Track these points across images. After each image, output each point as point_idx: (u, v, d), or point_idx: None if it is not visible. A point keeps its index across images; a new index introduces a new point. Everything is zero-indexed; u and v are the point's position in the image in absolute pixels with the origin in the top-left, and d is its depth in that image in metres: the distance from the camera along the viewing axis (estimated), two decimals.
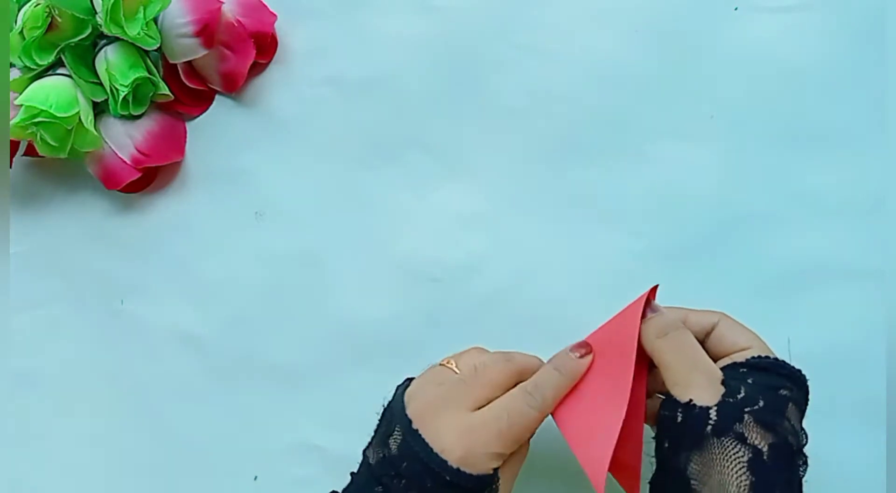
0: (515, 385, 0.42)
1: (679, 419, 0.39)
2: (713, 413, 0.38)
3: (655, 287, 0.43)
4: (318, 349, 0.55)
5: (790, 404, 0.39)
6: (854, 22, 0.53)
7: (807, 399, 0.41)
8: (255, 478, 0.52)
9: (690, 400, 0.39)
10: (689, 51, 0.55)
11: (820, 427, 0.49)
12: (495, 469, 0.40)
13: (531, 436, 0.42)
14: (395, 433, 0.40)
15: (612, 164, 0.54)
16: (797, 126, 0.53)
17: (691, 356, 0.40)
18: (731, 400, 0.39)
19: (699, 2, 0.55)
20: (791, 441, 0.38)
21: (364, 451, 0.42)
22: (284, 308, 0.56)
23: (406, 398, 0.42)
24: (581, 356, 0.42)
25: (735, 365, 0.41)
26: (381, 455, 0.40)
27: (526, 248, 0.54)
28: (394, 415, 0.41)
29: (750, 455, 0.37)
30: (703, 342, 0.42)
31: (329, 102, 0.58)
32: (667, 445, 0.40)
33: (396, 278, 0.55)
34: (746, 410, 0.38)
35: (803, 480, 0.39)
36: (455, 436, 0.39)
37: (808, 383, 0.42)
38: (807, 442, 0.40)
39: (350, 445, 0.52)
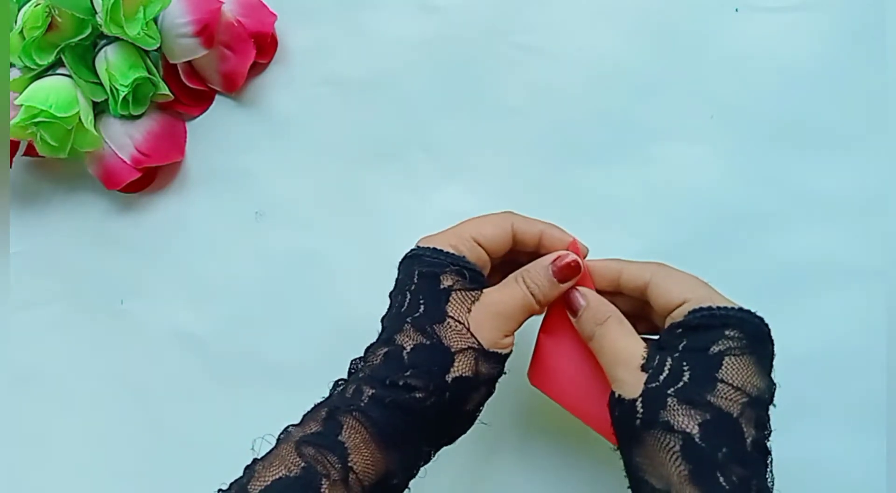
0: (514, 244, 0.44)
1: (616, 414, 0.39)
2: (639, 405, 0.37)
3: (573, 242, 0.43)
4: (318, 349, 0.55)
5: (726, 360, 0.37)
6: (854, 22, 0.53)
7: (759, 338, 0.38)
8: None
9: (619, 395, 0.39)
10: (690, 51, 0.55)
11: (820, 427, 0.49)
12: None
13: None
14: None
15: (612, 164, 0.54)
16: (797, 126, 0.53)
17: (611, 350, 0.40)
18: (653, 386, 0.37)
19: (699, 2, 0.55)
20: (729, 409, 0.36)
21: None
22: (284, 308, 0.56)
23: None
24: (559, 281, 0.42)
25: (672, 328, 0.39)
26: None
27: None
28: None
29: (681, 443, 0.36)
30: (642, 300, 0.41)
31: (329, 102, 0.58)
32: (618, 439, 0.40)
33: None
34: (669, 392, 0.36)
35: (767, 437, 0.37)
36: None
37: (761, 318, 0.39)
38: (773, 392, 0.38)
39: None
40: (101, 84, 0.56)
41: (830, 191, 0.52)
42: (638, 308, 0.43)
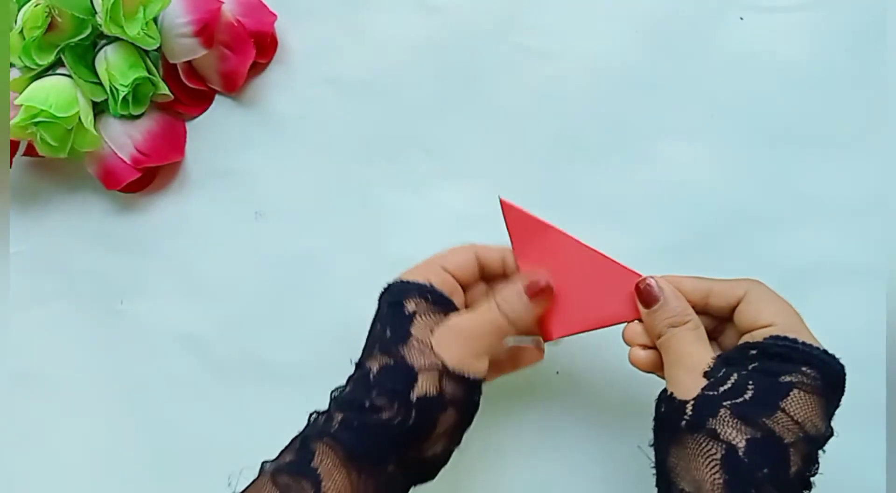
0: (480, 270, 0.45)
1: (662, 410, 0.39)
2: (689, 408, 0.37)
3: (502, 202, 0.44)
4: (318, 349, 0.55)
5: (794, 392, 0.36)
6: (854, 22, 0.53)
7: (834, 385, 0.38)
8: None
9: (671, 393, 0.39)
10: (689, 51, 0.55)
11: None
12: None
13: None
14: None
15: (612, 164, 0.54)
16: (797, 126, 0.53)
17: (677, 352, 0.40)
18: (711, 393, 0.37)
19: (699, 2, 0.55)
20: (782, 434, 0.36)
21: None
22: (284, 308, 0.56)
23: None
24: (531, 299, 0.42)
25: (746, 346, 0.39)
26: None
27: None
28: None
29: (723, 452, 0.36)
30: (730, 316, 0.41)
31: (329, 101, 0.58)
32: (655, 435, 0.40)
33: None
34: (725, 403, 0.37)
35: (813, 474, 0.37)
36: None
37: (842, 366, 0.38)
38: (830, 433, 0.38)
39: None
40: (100, 84, 0.56)
41: (830, 191, 0.52)
42: (710, 329, 0.42)
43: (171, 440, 0.56)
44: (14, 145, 0.59)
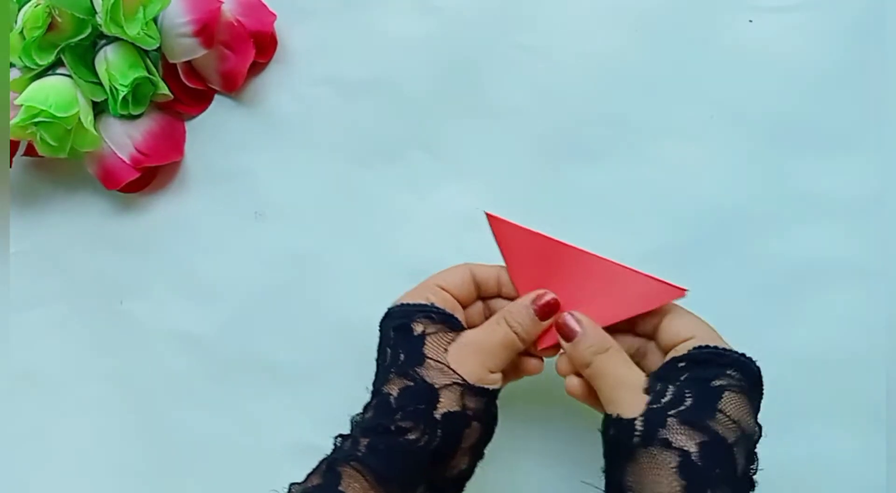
0: (476, 289, 0.45)
1: (611, 433, 0.40)
2: (638, 424, 0.38)
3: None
4: (318, 349, 0.55)
5: (726, 394, 0.38)
6: (854, 22, 0.53)
7: (757, 385, 0.40)
8: None
9: (617, 414, 0.40)
10: (689, 50, 0.55)
11: (820, 427, 0.49)
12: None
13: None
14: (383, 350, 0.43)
15: (612, 164, 0.54)
16: (797, 126, 0.53)
17: (613, 375, 0.41)
18: (655, 407, 0.39)
19: (699, 1, 0.55)
20: (725, 435, 0.37)
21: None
22: (284, 308, 0.56)
23: None
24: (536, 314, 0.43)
25: (674, 360, 0.40)
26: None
27: None
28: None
29: (679, 459, 0.37)
30: (654, 337, 0.43)
31: (329, 101, 0.58)
32: (607, 461, 0.41)
33: (397, 278, 0.55)
34: (671, 413, 0.38)
35: (754, 472, 0.38)
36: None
37: (759, 367, 0.40)
38: (760, 434, 0.39)
39: None
40: (100, 84, 0.56)
41: (830, 191, 0.52)
42: (631, 353, 0.43)
43: (171, 439, 0.56)
44: (14, 145, 0.59)
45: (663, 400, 0.39)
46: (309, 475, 0.41)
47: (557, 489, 0.51)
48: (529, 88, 0.56)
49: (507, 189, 0.55)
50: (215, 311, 0.57)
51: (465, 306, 0.45)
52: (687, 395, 0.38)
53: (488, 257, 0.54)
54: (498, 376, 0.42)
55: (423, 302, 0.43)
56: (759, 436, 0.39)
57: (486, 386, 0.41)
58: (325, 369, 0.55)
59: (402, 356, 0.42)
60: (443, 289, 0.44)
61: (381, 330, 0.45)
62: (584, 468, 0.43)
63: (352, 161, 0.57)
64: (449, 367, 0.41)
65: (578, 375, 0.43)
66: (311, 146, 0.58)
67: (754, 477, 0.39)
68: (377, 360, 0.44)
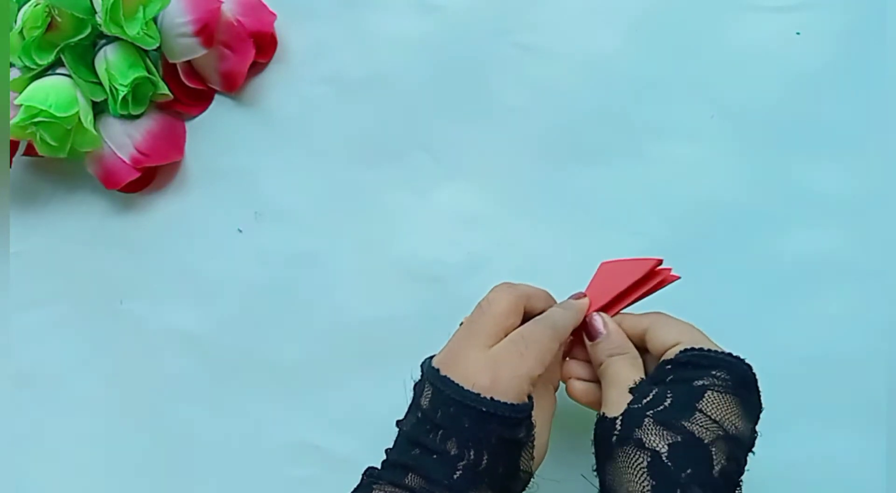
0: (526, 316, 0.43)
1: (598, 431, 0.41)
2: (618, 423, 0.39)
3: (660, 261, 0.45)
4: (318, 349, 0.55)
5: (708, 393, 0.38)
6: (854, 22, 0.53)
7: (745, 384, 0.40)
8: None
9: (603, 413, 0.41)
10: (690, 50, 0.55)
11: (821, 428, 0.49)
12: (529, 397, 0.39)
13: (552, 359, 0.41)
14: (426, 389, 0.40)
15: (612, 164, 0.54)
16: (797, 126, 0.53)
17: (611, 375, 0.42)
18: (635, 407, 0.39)
19: (699, 1, 0.55)
20: (701, 435, 0.37)
21: (398, 423, 0.42)
22: (284, 308, 0.56)
23: (433, 359, 0.42)
24: (579, 298, 0.45)
25: (662, 364, 0.41)
26: (416, 417, 0.40)
27: (526, 248, 0.54)
28: (422, 374, 0.42)
29: (649, 459, 0.37)
30: (642, 344, 0.43)
31: (329, 101, 0.58)
32: (595, 457, 0.41)
33: (396, 278, 0.55)
34: (648, 413, 0.38)
35: (739, 472, 0.38)
36: (480, 369, 0.39)
37: (749, 366, 0.40)
38: (755, 434, 0.39)
39: (350, 445, 0.52)
40: (100, 84, 0.56)
41: (831, 191, 0.52)
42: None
43: (171, 439, 0.56)
44: (14, 145, 0.59)
45: (645, 400, 0.39)
46: None
47: (557, 484, 0.51)
48: (529, 88, 0.56)
49: (507, 189, 0.55)
50: (215, 311, 0.57)
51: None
52: (668, 395, 0.39)
53: (488, 256, 0.55)
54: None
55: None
56: (753, 441, 0.39)
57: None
58: (325, 369, 0.55)
59: (500, 469, 0.39)
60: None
61: (451, 413, 0.39)
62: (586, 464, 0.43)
63: (352, 161, 0.57)
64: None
65: (580, 379, 0.44)
66: (311, 146, 0.58)
67: (739, 480, 0.38)
68: (432, 437, 0.39)
